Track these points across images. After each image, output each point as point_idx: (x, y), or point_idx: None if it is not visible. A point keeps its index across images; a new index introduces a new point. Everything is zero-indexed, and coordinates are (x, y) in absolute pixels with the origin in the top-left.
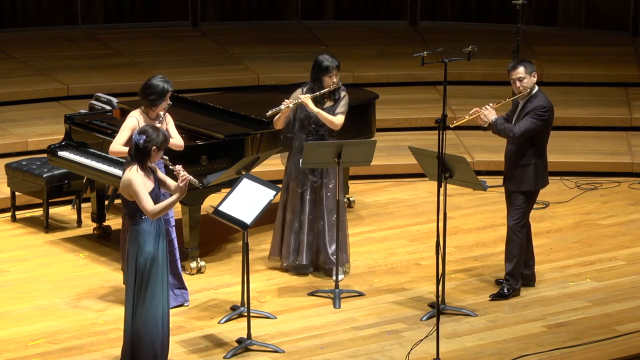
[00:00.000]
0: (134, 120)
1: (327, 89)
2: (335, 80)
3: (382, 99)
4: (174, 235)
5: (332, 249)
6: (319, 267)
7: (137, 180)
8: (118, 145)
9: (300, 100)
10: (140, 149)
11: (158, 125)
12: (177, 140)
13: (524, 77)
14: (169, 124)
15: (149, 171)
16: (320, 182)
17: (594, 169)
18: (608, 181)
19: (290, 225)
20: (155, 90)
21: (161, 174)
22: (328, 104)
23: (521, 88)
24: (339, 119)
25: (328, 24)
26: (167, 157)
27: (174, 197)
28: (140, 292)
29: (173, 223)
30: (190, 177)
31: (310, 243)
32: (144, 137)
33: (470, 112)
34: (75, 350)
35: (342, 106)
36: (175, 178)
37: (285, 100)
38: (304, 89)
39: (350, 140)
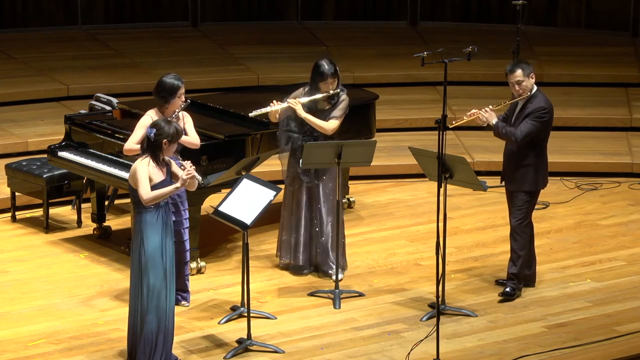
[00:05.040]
0: (149, 118)
1: (318, 96)
2: (331, 87)
3: (382, 99)
4: (186, 236)
5: (331, 255)
6: (318, 268)
7: (142, 168)
8: (132, 143)
9: (288, 104)
10: (151, 142)
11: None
12: (192, 139)
13: (523, 80)
14: (186, 123)
15: (163, 164)
16: (312, 182)
17: (594, 169)
18: (608, 181)
19: (286, 224)
20: (165, 87)
21: (175, 168)
22: (325, 107)
23: (520, 91)
24: (330, 124)
25: (328, 24)
26: (180, 158)
27: (171, 187)
28: (142, 283)
29: (187, 225)
30: (196, 173)
31: (306, 244)
32: (155, 130)
33: (469, 114)
34: (75, 350)
35: (338, 111)
36: None
37: (273, 101)
38: (305, 90)
39: (350, 140)
